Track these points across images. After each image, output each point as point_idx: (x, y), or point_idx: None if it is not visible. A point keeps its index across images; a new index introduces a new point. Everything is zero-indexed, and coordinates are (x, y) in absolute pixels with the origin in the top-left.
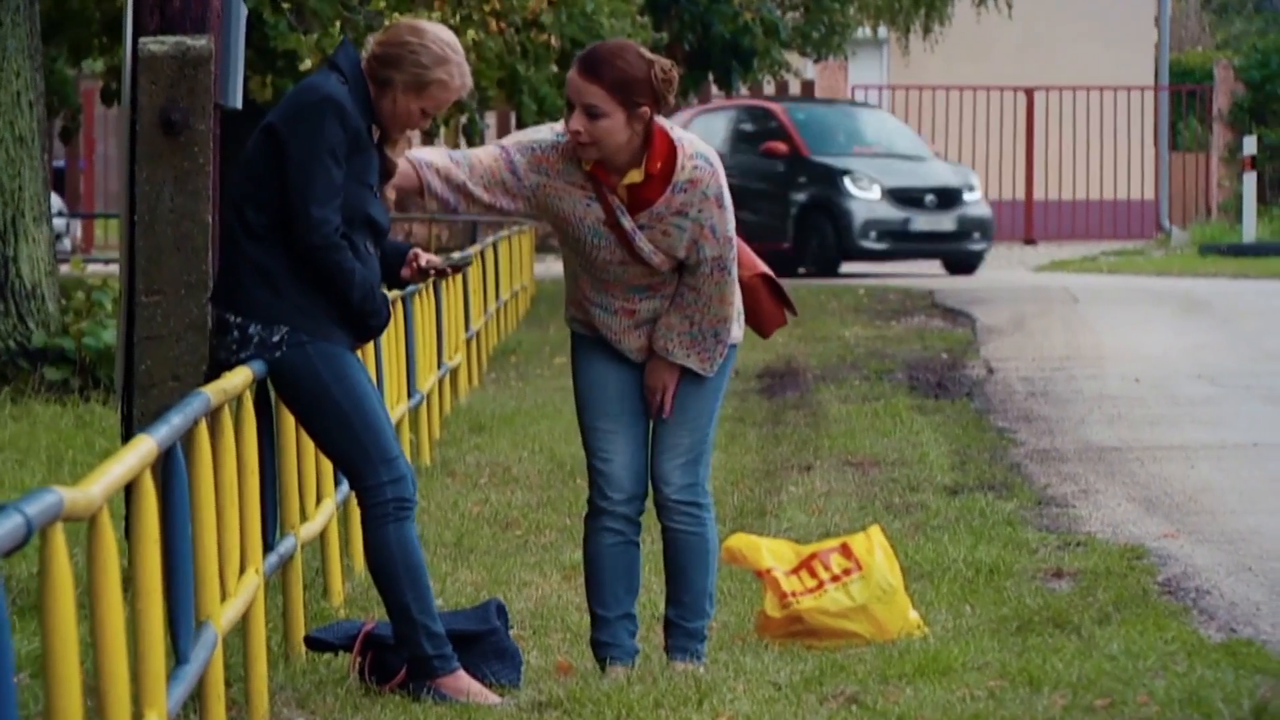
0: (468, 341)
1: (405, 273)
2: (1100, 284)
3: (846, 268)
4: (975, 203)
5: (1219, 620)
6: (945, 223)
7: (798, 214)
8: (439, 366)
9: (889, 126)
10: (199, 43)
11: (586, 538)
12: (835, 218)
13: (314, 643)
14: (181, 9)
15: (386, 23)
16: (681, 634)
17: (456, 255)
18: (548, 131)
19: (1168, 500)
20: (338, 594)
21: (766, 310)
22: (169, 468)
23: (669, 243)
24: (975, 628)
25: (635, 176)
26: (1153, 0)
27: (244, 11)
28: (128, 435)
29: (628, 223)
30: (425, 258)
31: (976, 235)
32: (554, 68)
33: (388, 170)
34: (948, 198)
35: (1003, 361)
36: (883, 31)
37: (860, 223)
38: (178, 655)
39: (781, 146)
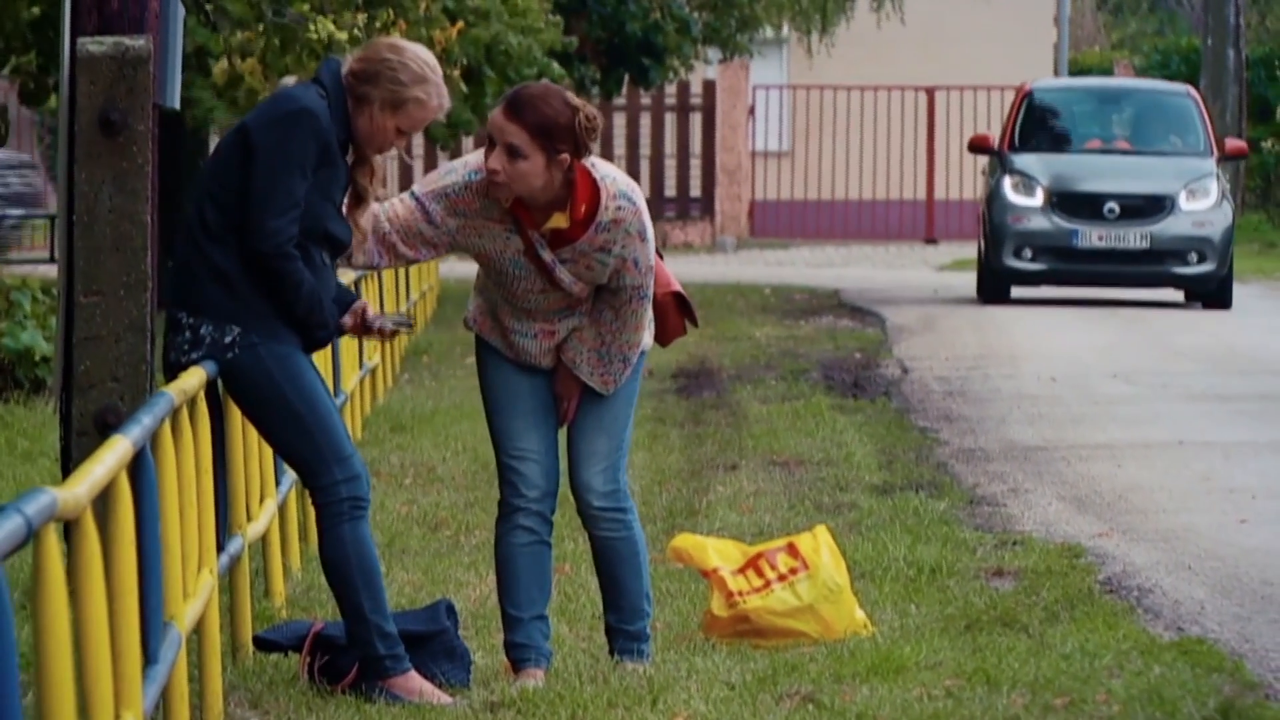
0: (383, 342)
1: (347, 321)
2: None
3: (1017, 292)
4: (1194, 214)
5: (1165, 619)
6: (1132, 239)
7: (981, 225)
8: (360, 367)
9: (1171, 112)
10: (137, 43)
11: (499, 538)
12: (988, 230)
13: (262, 643)
14: (120, 9)
15: (312, 26)
16: (624, 637)
17: (397, 315)
18: (460, 171)
19: (1098, 499)
20: (279, 594)
21: (670, 323)
22: (139, 468)
23: (591, 275)
24: (923, 627)
25: (560, 221)
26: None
27: (182, 12)
28: (66, 436)
29: (547, 255)
30: (373, 316)
31: (1192, 257)
32: (462, 86)
33: (359, 194)
34: (1143, 207)
35: (916, 361)
36: (784, 31)
37: (1010, 236)
38: (146, 656)
39: (988, 139)
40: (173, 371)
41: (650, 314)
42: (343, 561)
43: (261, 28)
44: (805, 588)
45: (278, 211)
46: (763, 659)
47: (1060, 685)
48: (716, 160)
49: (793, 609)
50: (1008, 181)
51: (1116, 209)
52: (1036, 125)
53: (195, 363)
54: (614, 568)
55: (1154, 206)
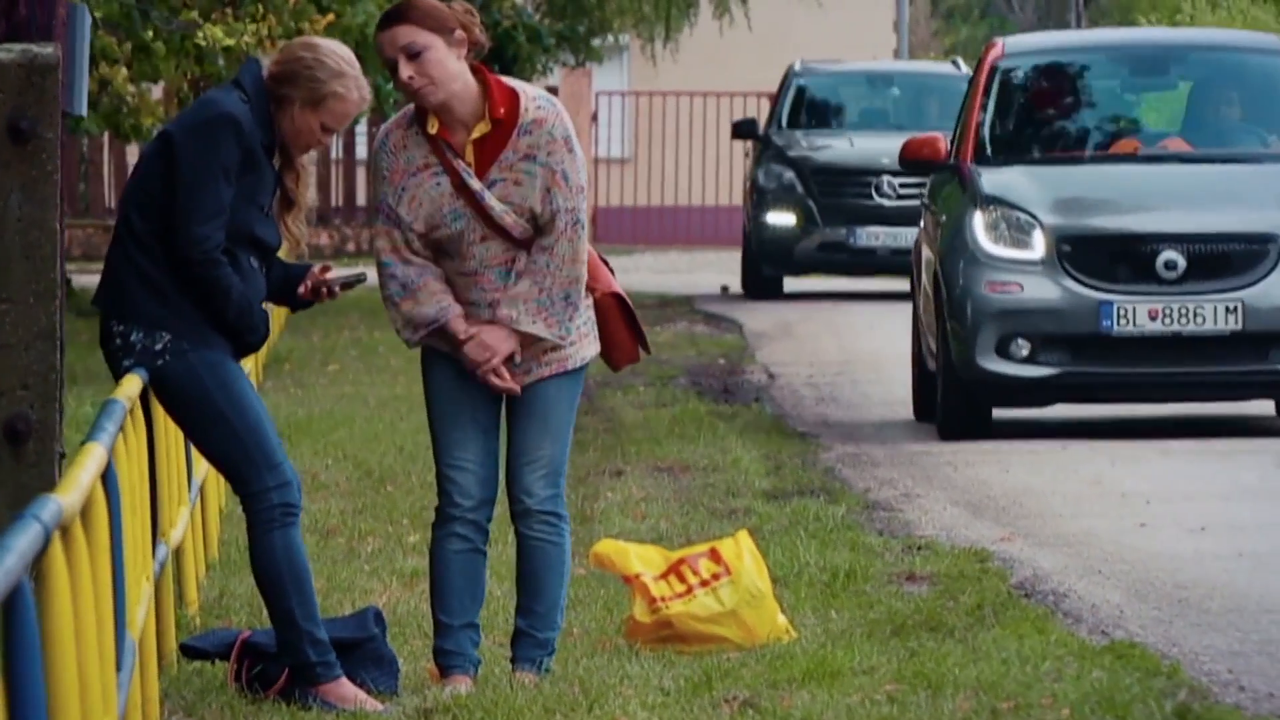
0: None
1: (301, 290)
2: (858, 287)
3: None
4: None
5: (1087, 623)
6: (1209, 315)
7: (921, 295)
8: None
9: (1255, 84)
10: (46, 50)
11: (434, 545)
12: (947, 306)
13: (189, 651)
14: (28, 17)
15: (200, 34)
16: (532, 644)
17: (345, 273)
18: (378, 153)
19: (992, 504)
20: (193, 602)
21: (619, 339)
22: (107, 477)
23: (522, 193)
24: (848, 632)
25: (483, 128)
26: (891, 6)
27: (88, 20)
28: None
29: (475, 184)
30: (321, 274)
31: None
32: None
33: (288, 198)
34: (1227, 256)
35: (782, 367)
36: (624, 38)
37: (991, 317)
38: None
39: (936, 142)
40: (118, 378)
41: (587, 249)
42: (274, 568)
43: (151, 33)
44: (728, 593)
45: (203, 218)
46: (693, 664)
47: (1004, 689)
48: None
49: (715, 614)
50: (980, 220)
51: (1179, 262)
52: (1018, 118)
53: (127, 370)
54: (540, 571)
55: (1246, 255)
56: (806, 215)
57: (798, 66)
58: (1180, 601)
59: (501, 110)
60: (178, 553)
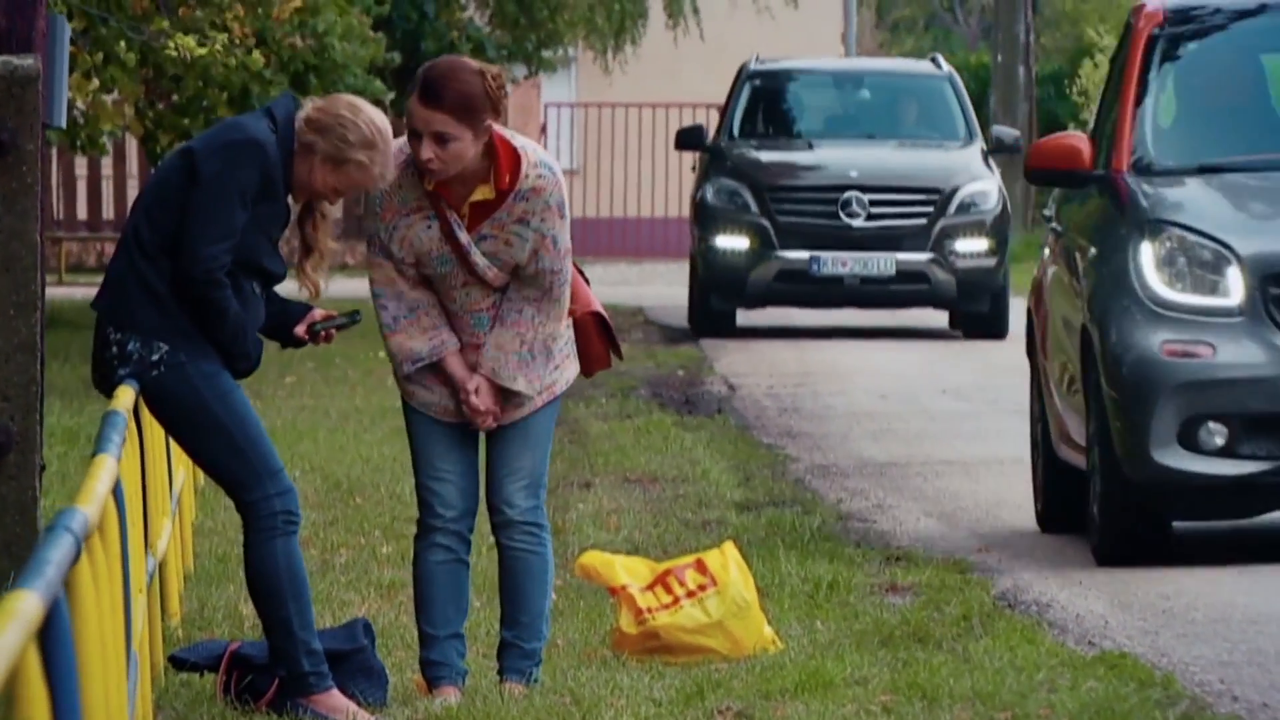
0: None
1: (299, 330)
2: (825, 321)
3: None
4: None
5: (1073, 634)
6: None
7: (1041, 358)
8: None
9: None
10: (26, 62)
11: (417, 556)
12: (1105, 377)
13: (178, 662)
14: (8, 29)
15: (170, 44)
16: (518, 655)
17: (338, 319)
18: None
19: (965, 515)
20: (175, 613)
21: (594, 350)
22: (115, 488)
23: (510, 253)
24: (835, 643)
25: (486, 193)
26: (839, 18)
27: (68, 32)
28: None
29: (463, 237)
30: (320, 315)
31: None
32: (285, 82)
33: (308, 245)
34: None
35: (741, 379)
36: (573, 49)
37: (1168, 391)
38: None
39: (1073, 145)
40: (101, 387)
41: (568, 303)
42: (274, 576)
43: (123, 43)
44: (714, 604)
45: (213, 239)
46: (684, 675)
47: (1000, 700)
48: None
49: (702, 625)
50: (1149, 253)
51: None
52: (1192, 109)
53: (121, 380)
54: (522, 582)
55: None
56: (761, 238)
57: (753, 64)
58: (1164, 612)
59: (506, 178)
60: (161, 565)
